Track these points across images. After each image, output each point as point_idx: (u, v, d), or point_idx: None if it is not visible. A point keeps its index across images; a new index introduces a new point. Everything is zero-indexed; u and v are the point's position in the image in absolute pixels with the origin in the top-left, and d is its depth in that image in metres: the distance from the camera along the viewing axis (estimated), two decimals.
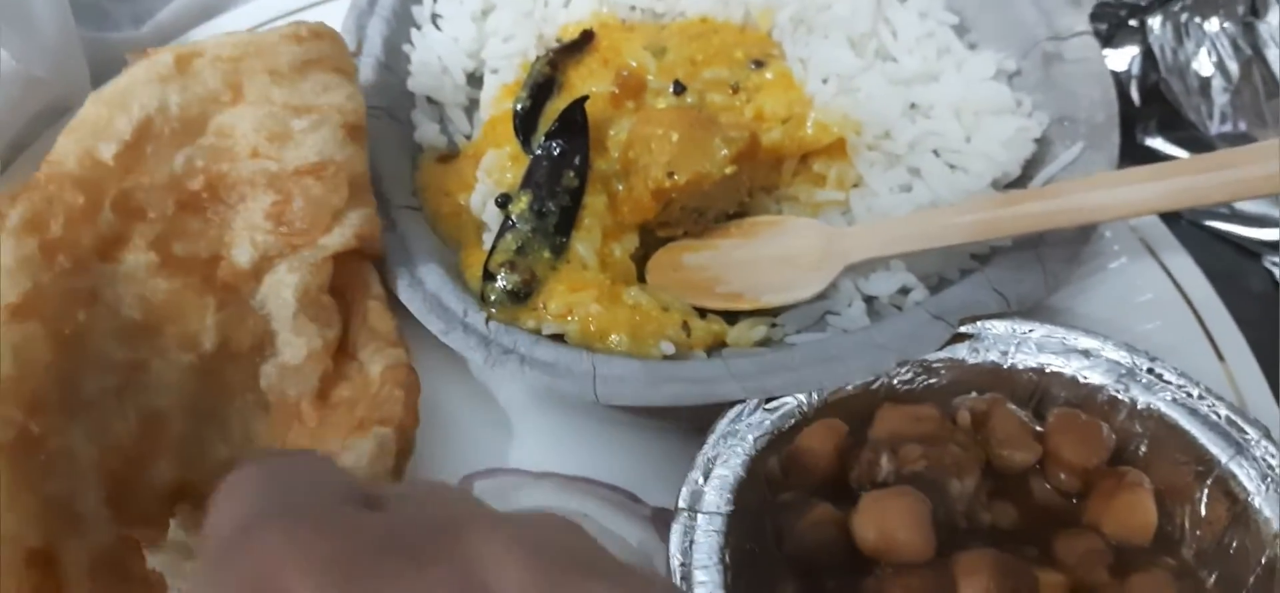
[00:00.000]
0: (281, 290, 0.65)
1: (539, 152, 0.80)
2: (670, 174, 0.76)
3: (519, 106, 0.84)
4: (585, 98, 0.81)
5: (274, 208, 0.67)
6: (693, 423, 0.68)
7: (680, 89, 0.85)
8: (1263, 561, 0.60)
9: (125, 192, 0.65)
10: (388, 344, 0.68)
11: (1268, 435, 0.63)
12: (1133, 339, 0.69)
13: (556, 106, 0.83)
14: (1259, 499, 0.62)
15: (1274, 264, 0.91)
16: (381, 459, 0.61)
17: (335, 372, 0.65)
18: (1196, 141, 0.90)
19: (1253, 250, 0.92)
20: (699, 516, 0.62)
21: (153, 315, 0.62)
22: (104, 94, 0.69)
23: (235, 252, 0.66)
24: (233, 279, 0.65)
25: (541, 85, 0.85)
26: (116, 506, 0.56)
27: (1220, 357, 0.77)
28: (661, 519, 0.68)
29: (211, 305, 0.64)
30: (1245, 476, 0.63)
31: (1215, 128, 0.90)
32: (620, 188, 0.80)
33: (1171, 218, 0.90)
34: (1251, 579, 0.61)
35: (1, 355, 0.55)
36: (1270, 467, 0.62)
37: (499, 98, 0.87)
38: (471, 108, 0.90)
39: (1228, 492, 0.63)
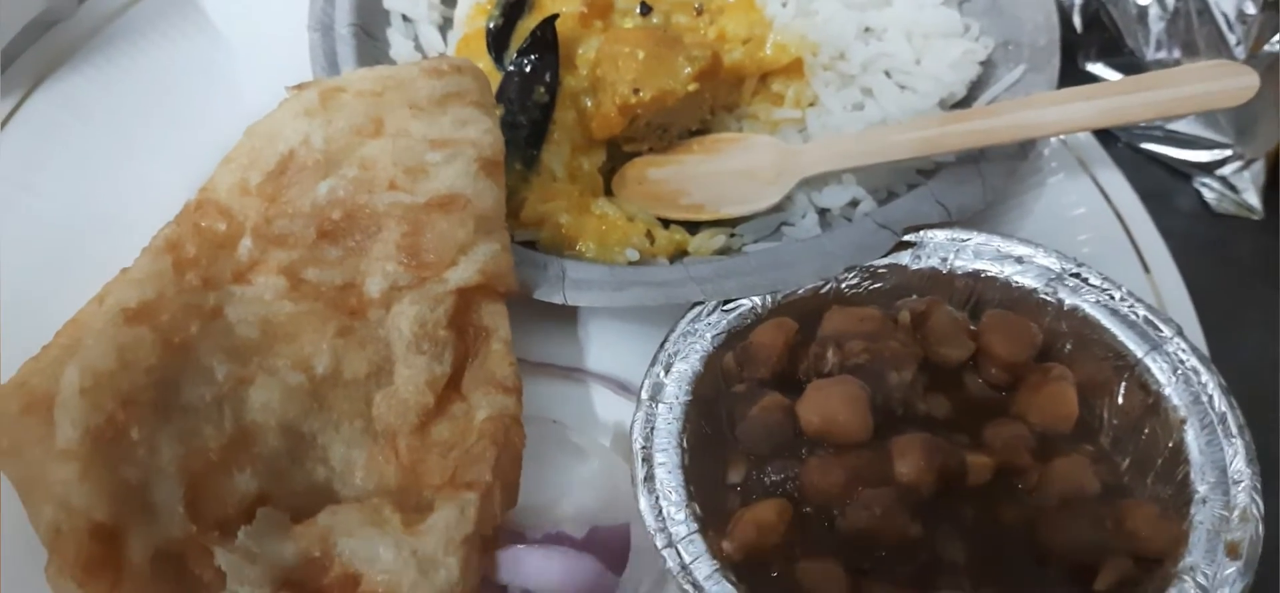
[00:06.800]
0: (400, 321, 0.66)
1: (511, 68, 0.84)
2: (636, 91, 0.80)
3: (491, 24, 0.87)
4: (555, 16, 0.84)
5: (404, 239, 0.68)
6: (664, 325, 0.72)
7: (646, 10, 0.88)
8: (1170, 445, 0.66)
9: (268, 218, 0.67)
10: (500, 391, 0.66)
11: (1180, 332, 0.69)
12: (1065, 250, 0.74)
13: (527, 25, 0.87)
14: (1169, 389, 0.67)
15: (1203, 185, 0.96)
16: (460, 526, 0.60)
17: (440, 409, 0.65)
18: (1134, 67, 0.94)
19: (1183, 172, 0.97)
20: (659, 405, 0.67)
21: (269, 335, 0.65)
22: (256, 127, 0.72)
23: (369, 281, 0.67)
24: (360, 307, 0.67)
25: (513, 4, 0.88)
26: (193, 505, 0.59)
27: (1146, 268, 0.83)
28: None
29: (331, 331, 0.65)
30: (1158, 369, 0.68)
31: (1151, 54, 0.95)
32: (589, 104, 0.84)
33: (1108, 140, 0.95)
34: (1160, 461, 0.66)
35: (107, 351, 0.59)
36: (1181, 360, 0.68)
37: (472, 16, 0.90)
38: (445, 26, 0.94)
39: (1143, 384, 0.69)
